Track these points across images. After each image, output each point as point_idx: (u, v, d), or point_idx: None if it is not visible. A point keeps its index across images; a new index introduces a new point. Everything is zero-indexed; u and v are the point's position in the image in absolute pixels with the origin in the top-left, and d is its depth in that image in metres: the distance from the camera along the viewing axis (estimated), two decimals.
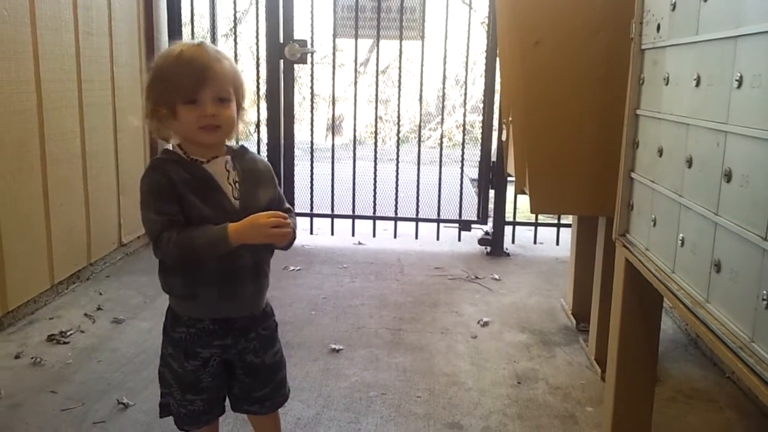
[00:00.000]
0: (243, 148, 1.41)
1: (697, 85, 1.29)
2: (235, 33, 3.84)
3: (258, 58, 3.73)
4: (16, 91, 2.45)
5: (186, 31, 3.78)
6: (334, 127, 4.54)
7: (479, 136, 3.81)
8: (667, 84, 1.47)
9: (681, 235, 1.35)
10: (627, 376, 1.77)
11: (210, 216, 1.29)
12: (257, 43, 3.71)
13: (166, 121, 1.32)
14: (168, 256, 1.29)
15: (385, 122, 10.51)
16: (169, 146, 1.37)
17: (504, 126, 2.67)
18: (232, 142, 1.43)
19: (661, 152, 1.50)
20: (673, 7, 1.44)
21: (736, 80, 1.11)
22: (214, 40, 4.25)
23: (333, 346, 2.39)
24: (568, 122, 2.16)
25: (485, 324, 2.66)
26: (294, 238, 1.37)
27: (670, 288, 1.37)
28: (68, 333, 2.44)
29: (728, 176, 1.13)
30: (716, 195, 1.18)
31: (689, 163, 1.32)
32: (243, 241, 1.28)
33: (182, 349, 1.38)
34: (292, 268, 3.30)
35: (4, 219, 2.39)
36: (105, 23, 3.11)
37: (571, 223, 3.38)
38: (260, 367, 1.46)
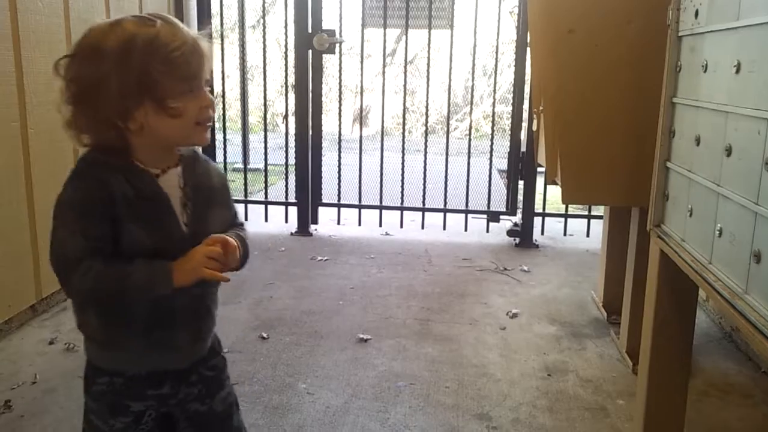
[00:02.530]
0: (195, 155, 1.13)
1: (738, 71, 1.25)
2: (264, 23, 3.84)
3: (286, 49, 3.73)
4: (51, 81, 2.48)
5: (215, 22, 3.80)
6: (362, 118, 4.53)
7: (506, 127, 3.78)
8: (705, 71, 1.43)
9: (719, 225, 1.32)
10: (660, 369, 1.74)
11: (149, 247, 1.01)
12: (285, 33, 3.71)
13: (139, 122, 1.01)
14: (82, 290, 1.00)
15: (411, 113, 10.49)
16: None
17: (535, 116, 2.64)
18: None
19: (698, 141, 1.46)
20: None
21: None
22: (242, 30, 4.27)
23: (361, 336, 2.39)
24: (601, 111, 2.12)
25: (514, 315, 2.64)
26: (244, 259, 1.12)
27: (707, 279, 1.35)
28: None
29: None
30: (756, 184, 1.15)
31: (728, 151, 1.29)
32: (183, 283, 1.02)
33: (106, 404, 1.10)
34: (319, 258, 3.31)
35: (38, 206, 2.43)
36: None
37: (601, 214, 3.34)
38: (209, 416, 1.18)
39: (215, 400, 1.19)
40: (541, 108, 2.42)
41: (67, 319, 2.49)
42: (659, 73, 1.71)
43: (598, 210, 3.74)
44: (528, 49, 3.43)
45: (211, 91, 1.09)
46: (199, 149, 1.16)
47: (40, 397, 1.95)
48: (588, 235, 3.73)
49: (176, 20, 1.04)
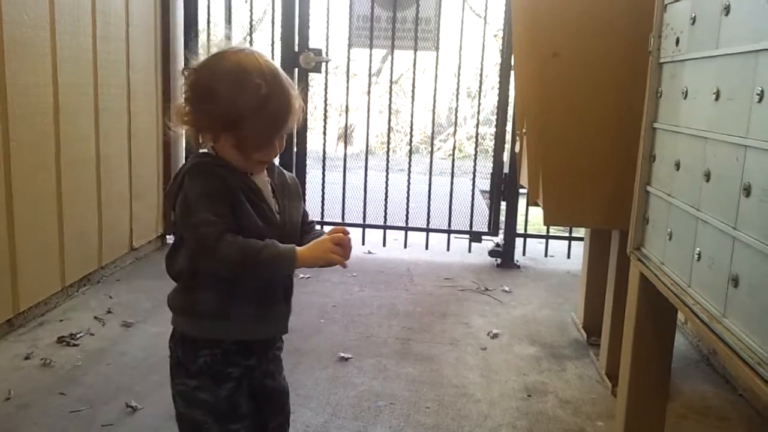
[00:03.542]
0: (272, 164, 1.32)
1: (717, 98, 1.28)
2: (251, 41, 3.86)
3: None
4: (34, 93, 2.47)
5: (202, 38, 3.80)
6: (346, 137, 4.56)
7: (489, 148, 3.81)
8: (685, 98, 1.47)
9: (698, 249, 1.34)
10: (639, 392, 1.76)
11: (262, 228, 1.19)
12: (272, 51, 3.73)
13: (218, 142, 1.21)
14: (225, 261, 1.13)
15: (395, 133, 10.53)
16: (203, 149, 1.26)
17: (518, 137, 2.67)
18: None
19: (678, 166, 1.49)
20: (693, 21, 1.43)
21: (757, 94, 1.10)
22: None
23: (342, 355, 2.38)
24: (584, 134, 2.15)
25: (495, 336, 2.64)
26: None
27: (685, 302, 1.36)
28: (78, 335, 2.45)
29: (747, 190, 1.13)
30: (735, 209, 1.18)
31: (707, 177, 1.31)
32: (305, 266, 1.18)
33: (210, 376, 1.24)
34: (301, 275, 3.29)
35: (18, 220, 2.40)
36: (122, 29, 3.13)
37: (582, 236, 3.37)
38: (276, 392, 1.36)
39: (281, 377, 1.37)
40: (524, 130, 2.45)
41: (44, 334, 2.45)
42: (641, 98, 1.74)
43: (579, 232, 3.77)
44: (512, 71, 3.48)
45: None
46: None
47: (14, 413, 1.91)
48: (569, 257, 3.76)
49: (282, 77, 1.20)
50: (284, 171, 1.35)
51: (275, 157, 1.25)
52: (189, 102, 1.20)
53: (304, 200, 1.41)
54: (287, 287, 1.31)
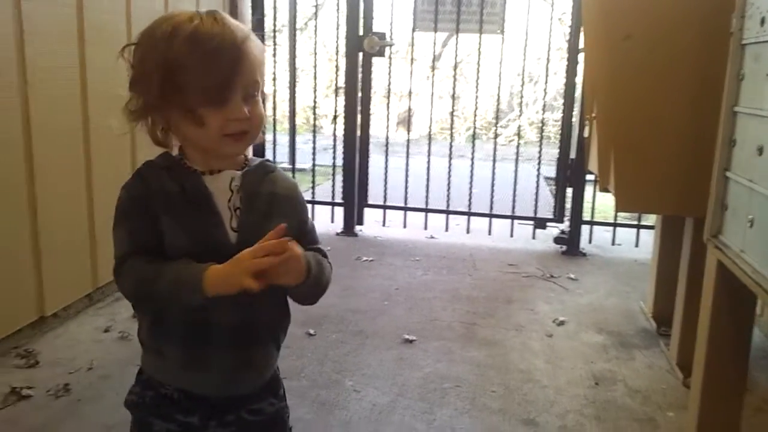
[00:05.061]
0: (263, 165, 1.04)
1: None
2: (315, 25, 3.89)
3: (337, 51, 3.77)
4: (111, 78, 2.56)
5: (267, 21, 3.86)
6: (409, 121, 4.56)
7: (551, 134, 3.75)
8: None
9: None
10: (715, 383, 1.71)
11: (186, 246, 0.94)
12: (337, 35, 3.75)
13: (172, 125, 0.97)
14: (124, 289, 0.96)
15: (455, 118, 10.45)
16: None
17: (587, 122, 2.62)
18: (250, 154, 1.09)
19: (761, 151, 1.44)
20: None
21: None
22: (294, 31, 4.33)
23: (406, 337, 2.41)
24: (657, 119, 2.10)
25: (561, 323, 2.61)
26: (314, 282, 1.00)
27: None
28: None
29: None
30: None
31: None
32: (219, 291, 0.90)
33: (135, 417, 1.04)
34: (364, 258, 3.33)
35: (96, 198, 2.50)
36: None
37: (651, 224, 3.29)
38: None
39: None
40: (593, 114, 2.40)
41: (122, 309, 2.56)
42: (717, 80, 1.68)
43: (648, 220, 3.68)
44: (579, 55, 3.41)
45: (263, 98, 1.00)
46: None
47: (96, 382, 2.01)
48: (637, 245, 3.67)
49: (223, 17, 0.93)
50: (281, 178, 1.04)
51: (238, 120, 0.93)
52: (131, 84, 0.97)
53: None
54: (243, 329, 0.98)
